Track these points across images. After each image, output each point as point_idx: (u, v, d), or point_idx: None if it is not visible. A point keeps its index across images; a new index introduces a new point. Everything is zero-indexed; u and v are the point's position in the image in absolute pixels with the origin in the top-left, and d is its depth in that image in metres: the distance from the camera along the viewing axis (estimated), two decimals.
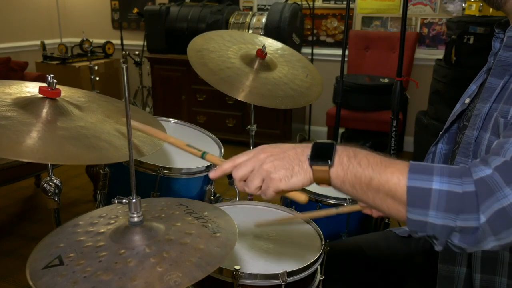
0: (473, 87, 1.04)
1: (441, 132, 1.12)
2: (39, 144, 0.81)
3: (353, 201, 1.38)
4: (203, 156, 0.89)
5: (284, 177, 0.75)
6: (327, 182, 0.74)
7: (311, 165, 0.74)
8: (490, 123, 0.87)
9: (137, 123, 0.94)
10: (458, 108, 1.06)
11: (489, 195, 0.64)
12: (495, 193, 0.63)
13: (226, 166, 0.81)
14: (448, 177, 0.66)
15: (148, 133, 0.98)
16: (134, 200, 0.75)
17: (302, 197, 0.80)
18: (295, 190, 0.78)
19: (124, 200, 0.76)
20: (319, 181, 0.75)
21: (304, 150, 0.76)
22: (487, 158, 0.68)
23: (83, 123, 0.94)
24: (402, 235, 1.25)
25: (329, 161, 0.72)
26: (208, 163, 1.45)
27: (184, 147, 0.91)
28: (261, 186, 0.77)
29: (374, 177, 0.70)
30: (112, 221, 0.81)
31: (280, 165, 0.75)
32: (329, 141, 0.75)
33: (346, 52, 3.21)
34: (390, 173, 0.69)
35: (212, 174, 0.83)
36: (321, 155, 0.73)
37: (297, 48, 3.82)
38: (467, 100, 1.03)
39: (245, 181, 0.79)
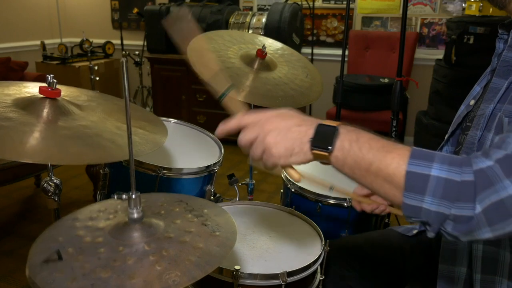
0: (477, 89, 1.04)
1: (447, 136, 1.12)
2: (43, 144, 0.81)
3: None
4: (226, 91, 0.87)
5: (284, 156, 0.76)
6: (327, 163, 0.76)
7: (311, 148, 0.75)
8: (494, 123, 0.87)
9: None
10: (462, 110, 1.06)
11: (488, 186, 0.64)
12: (494, 184, 0.64)
13: (231, 124, 0.82)
14: (448, 165, 0.66)
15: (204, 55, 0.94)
16: (133, 196, 0.74)
17: (295, 176, 0.82)
18: (292, 168, 0.80)
19: (123, 196, 0.76)
20: (319, 160, 0.76)
21: (308, 131, 0.76)
22: (488, 151, 0.68)
23: (85, 122, 0.94)
24: (403, 233, 1.24)
25: (329, 147, 0.73)
26: (208, 164, 1.45)
27: (216, 72, 0.90)
28: (262, 155, 0.78)
29: (374, 162, 0.70)
30: (111, 216, 0.81)
31: (281, 143, 0.76)
32: (333, 124, 0.75)
33: (346, 52, 3.20)
34: (390, 158, 0.69)
35: (219, 130, 0.84)
36: (323, 140, 0.74)
37: (297, 48, 3.82)
38: (472, 102, 1.03)
39: (251, 145, 0.80)
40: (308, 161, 0.77)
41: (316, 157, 0.75)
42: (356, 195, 1.10)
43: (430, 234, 0.70)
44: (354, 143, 0.72)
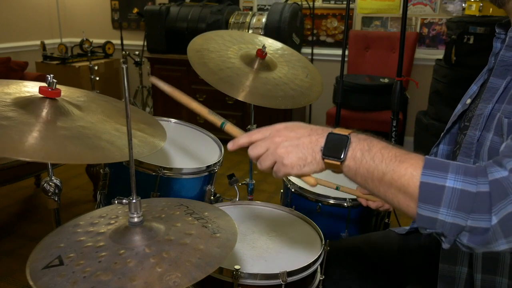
0: (474, 88, 1.04)
1: (442, 133, 1.12)
2: (42, 143, 0.81)
3: (353, 200, 1.38)
4: (222, 125, 0.90)
5: (297, 165, 0.76)
6: (339, 172, 0.76)
7: (323, 158, 0.75)
8: (493, 123, 0.87)
9: (161, 83, 0.93)
10: (459, 108, 1.06)
11: (503, 197, 0.63)
12: (509, 195, 0.63)
13: (242, 140, 0.83)
14: (463, 176, 0.65)
15: (172, 95, 0.96)
16: (134, 201, 0.75)
17: (311, 181, 0.83)
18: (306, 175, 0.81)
19: (124, 201, 0.76)
20: (331, 170, 0.77)
21: (319, 140, 0.76)
22: (501, 160, 0.67)
23: (84, 123, 0.94)
24: (401, 233, 1.25)
25: (341, 157, 0.73)
26: (208, 164, 1.45)
27: (206, 114, 0.92)
28: (273, 166, 0.79)
29: (387, 173, 0.69)
30: (112, 221, 0.81)
31: (293, 153, 0.76)
32: (344, 132, 0.75)
33: (346, 52, 3.21)
34: (404, 169, 0.68)
35: (230, 146, 0.85)
36: (334, 149, 0.74)
37: (297, 48, 3.82)
38: (468, 101, 1.03)
39: (258, 159, 0.81)
40: (321, 170, 0.77)
41: (328, 166, 0.75)
42: (362, 194, 1.12)
43: (445, 246, 0.69)
44: (366, 153, 0.72)
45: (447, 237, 0.67)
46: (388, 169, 0.69)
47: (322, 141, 0.75)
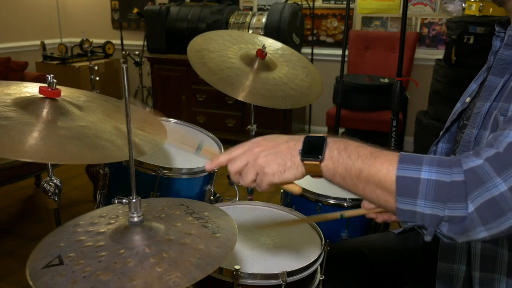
0: (473, 86, 1.04)
1: (441, 132, 1.12)
2: (41, 144, 0.81)
3: (353, 200, 1.38)
4: (197, 151, 0.91)
5: (277, 172, 0.77)
6: (319, 175, 0.76)
7: (302, 160, 0.75)
8: (490, 121, 0.87)
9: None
10: (458, 107, 1.07)
11: (479, 184, 0.64)
12: (485, 183, 0.64)
13: (221, 159, 0.84)
14: (437, 167, 0.66)
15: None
16: (134, 200, 0.75)
17: (296, 189, 0.83)
18: (289, 183, 0.81)
19: (124, 200, 0.77)
20: (311, 174, 0.77)
21: (296, 144, 0.77)
22: (479, 150, 0.68)
23: (84, 122, 0.94)
24: (403, 225, 1.24)
25: (319, 156, 0.74)
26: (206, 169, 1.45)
27: (180, 144, 0.93)
28: (255, 179, 0.79)
29: (364, 169, 0.71)
30: (112, 221, 0.81)
31: (273, 160, 0.77)
32: (320, 135, 0.76)
33: (346, 52, 3.21)
34: (379, 164, 0.70)
35: (208, 166, 0.86)
36: (312, 150, 0.75)
37: (297, 48, 3.82)
38: (468, 99, 1.03)
39: (240, 174, 0.81)
40: (302, 175, 0.78)
41: (308, 169, 0.76)
42: (369, 210, 1.09)
43: (427, 238, 0.70)
44: (343, 151, 0.73)
45: (427, 229, 0.68)
46: (365, 165, 0.71)
47: (299, 145, 0.77)
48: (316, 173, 0.76)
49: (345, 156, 0.73)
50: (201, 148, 0.91)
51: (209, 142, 1.68)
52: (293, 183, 0.81)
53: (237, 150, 0.82)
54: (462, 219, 0.65)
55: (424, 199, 0.66)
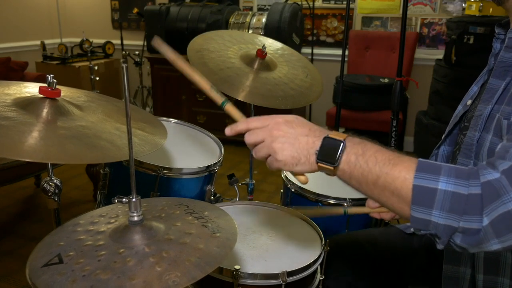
0: (474, 88, 1.04)
1: (444, 135, 1.12)
2: (41, 143, 0.81)
3: (353, 200, 1.38)
4: (223, 104, 0.90)
5: (289, 164, 0.77)
6: (333, 175, 0.76)
7: (317, 162, 0.75)
8: (492, 125, 0.87)
9: (165, 47, 0.91)
10: (460, 109, 1.06)
11: (495, 198, 0.64)
12: (501, 196, 0.64)
13: (241, 126, 0.83)
14: (455, 178, 0.66)
15: (174, 63, 0.96)
16: (134, 199, 0.75)
17: (302, 179, 0.83)
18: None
19: (124, 200, 0.77)
20: (325, 172, 0.77)
21: (315, 142, 0.76)
22: (494, 161, 0.68)
23: (84, 122, 0.94)
24: (405, 231, 1.24)
25: (335, 163, 0.74)
26: (208, 164, 1.45)
27: (207, 90, 0.92)
28: (266, 158, 0.80)
29: (381, 176, 0.70)
30: (112, 220, 0.81)
31: (288, 150, 0.77)
32: (340, 137, 0.75)
33: (346, 52, 3.21)
34: (397, 172, 0.69)
35: (228, 131, 0.85)
36: (329, 154, 0.74)
37: (297, 48, 3.82)
38: (469, 102, 1.03)
39: (255, 146, 0.81)
40: (313, 171, 0.78)
41: (321, 169, 0.76)
42: (373, 209, 1.09)
43: (440, 246, 0.70)
44: (360, 157, 0.73)
45: (440, 238, 0.68)
46: (382, 172, 0.70)
47: (318, 144, 0.76)
48: (331, 174, 0.76)
49: (363, 161, 0.72)
50: (227, 103, 0.89)
51: (209, 142, 1.68)
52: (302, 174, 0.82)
53: (256, 122, 0.81)
54: (476, 232, 0.65)
55: (440, 210, 0.66)
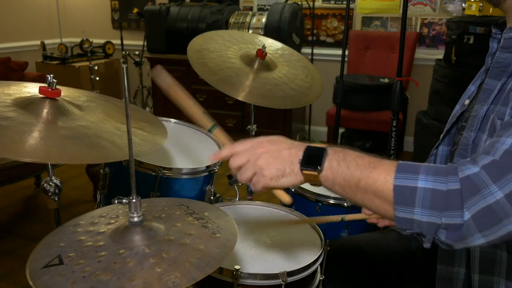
0: (472, 88, 1.04)
1: (442, 135, 1.12)
2: (41, 144, 0.81)
3: None
4: (212, 128, 0.92)
5: (275, 177, 0.78)
6: (318, 184, 0.78)
7: (301, 169, 0.77)
8: (487, 125, 0.87)
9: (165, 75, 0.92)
10: (457, 109, 1.06)
11: (474, 192, 0.65)
12: (481, 190, 0.65)
13: (224, 153, 0.85)
14: (433, 176, 0.68)
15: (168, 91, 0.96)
16: (134, 200, 0.75)
17: (286, 198, 0.86)
18: (283, 188, 0.83)
19: (124, 200, 0.77)
20: (310, 182, 0.79)
21: (298, 153, 0.79)
22: (476, 157, 0.69)
23: (84, 122, 0.94)
24: (403, 233, 1.24)
25: (318, 167, 0.75)
26: (208, 164, 1.45)
27: (199, 114, 0.93)
28: (252, 178, 0.81)
29: (362, 179, 0.72)
30: (112, 221, 0.81)
31: (273, 164, 0.78)
32: (321, 145, 0.78)
33: (346, 52, 3.20)
34: (377, 174, 0.71)
35: (212, 158, 0.88)
36: (312, 161, 0.77)
37: (297, 48, 3.82)
38: (467, 102, 1.03)
39: (239, 169, 0.83)
40: (299, 183, 0.79)
41: (306, 178, 0.78)
42: (370, 216, 1.09)
43: (426, 245, 0.71)
44: (342, 162, 0.75)
45: (426, 236, 0.70)
46: (363, 175, 0.72)
47: (300, 154, 0.78)
48: (315, 182, 0.78)
49: (344, 166, 0.74)
50: (216, 128, 0.91)
51: (209, 142, 1.68)
52: (285, 192, 0.84)
53: (240, 146, 0.83)
54: (459, 227, 0.66)
55: (422, 208, 0.67)
